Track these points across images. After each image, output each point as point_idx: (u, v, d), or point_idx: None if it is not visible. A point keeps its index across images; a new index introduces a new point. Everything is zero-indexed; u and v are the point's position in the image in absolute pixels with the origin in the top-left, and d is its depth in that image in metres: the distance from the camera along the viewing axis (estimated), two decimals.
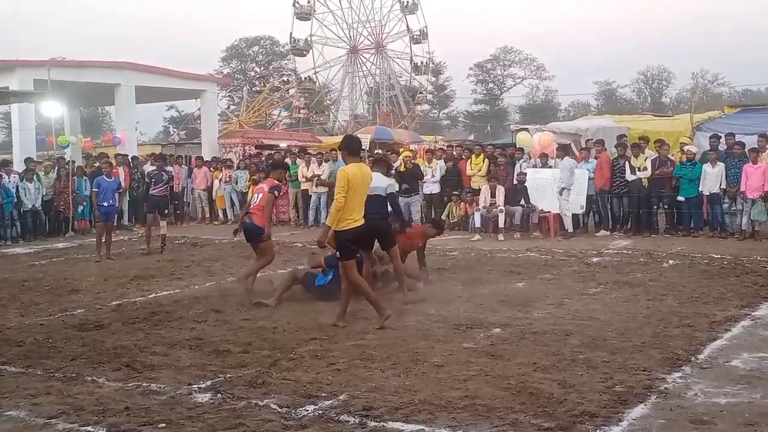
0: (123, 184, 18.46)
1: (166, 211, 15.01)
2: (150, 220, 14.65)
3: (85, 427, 4.80)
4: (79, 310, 8.68)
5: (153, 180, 14.67)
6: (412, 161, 16.83)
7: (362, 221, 7.53)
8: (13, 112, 24.34)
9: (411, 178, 16.13)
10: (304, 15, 53.60)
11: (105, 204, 13.77)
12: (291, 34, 54.03)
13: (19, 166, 18.92)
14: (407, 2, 55.22)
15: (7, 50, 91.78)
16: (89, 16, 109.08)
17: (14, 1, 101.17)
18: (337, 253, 7.57)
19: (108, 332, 7.46)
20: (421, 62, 57.50)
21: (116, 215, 14.82)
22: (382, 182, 8.79)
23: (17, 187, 16.81)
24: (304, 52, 54.64)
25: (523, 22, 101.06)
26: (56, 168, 18.30)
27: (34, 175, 17.32)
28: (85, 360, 6.41)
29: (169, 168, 17.17)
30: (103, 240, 13.62)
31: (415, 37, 56.03)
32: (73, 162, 19.15)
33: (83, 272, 11.77)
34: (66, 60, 26.11)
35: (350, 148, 7.84)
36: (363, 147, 8.33)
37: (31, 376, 6.00)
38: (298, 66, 56.62)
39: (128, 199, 19.26)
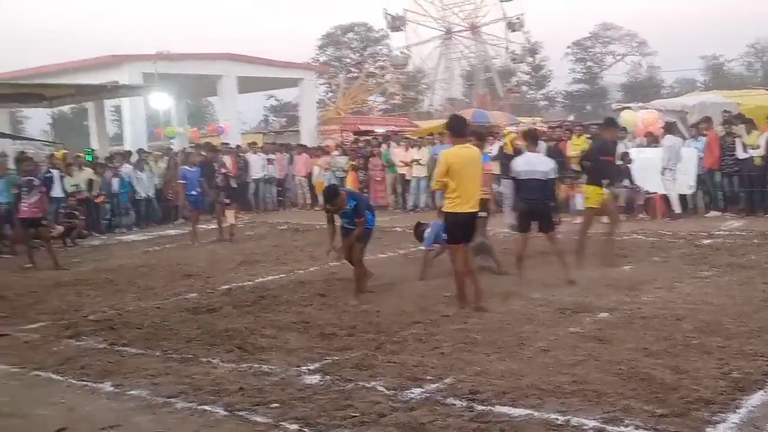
0: (230, 172, 19.05)
1: (226, 201, 15.07)
2: (219, 210, 14.93)
3: (202, 406, 5.01)
4: (191, 294, 9.05)
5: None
6: (517, 143, 16.42)
7: (473, 206, 7.38)
8: (124, 106, 25.47)
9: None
10: (396, 27, 53.77)
11: (193, 193, 14.28)
12: (385, 9, 54.17)
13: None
14: None
15: (115, 45, 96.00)
16: (188, 10, 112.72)
17: None
18: (444, 235, 7.58)
19: (220, 315, 7.75)
20: (519, 50, 56.56)
21: (205, 203, 15.19)
22: (543, 165, 8.69)
23: (130, 176, 17.64)
24: (400, 27, 54.75)
25: None
26: (166, 158, 19.06)
27: (146, 165, 18.11)
28: (200, 342, 6.68)
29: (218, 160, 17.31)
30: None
31: (511, 24, 55.13)
32: (182, 150, 19.86)
33: (193, 258, 12.24)
34: (171, 53, 27.10)
35: (454, 128, 7.65)
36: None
37: (150, 357, 6.32)
38: (392, 44, 56.74)
39: (233, 187, 19.81)
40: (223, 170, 15.30)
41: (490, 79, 57.50)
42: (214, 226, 15.11)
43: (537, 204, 8.60)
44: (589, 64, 76.61)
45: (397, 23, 54.39)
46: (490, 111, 37.04)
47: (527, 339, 6.22)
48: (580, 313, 7.06)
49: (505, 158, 15.77)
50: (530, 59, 66.02)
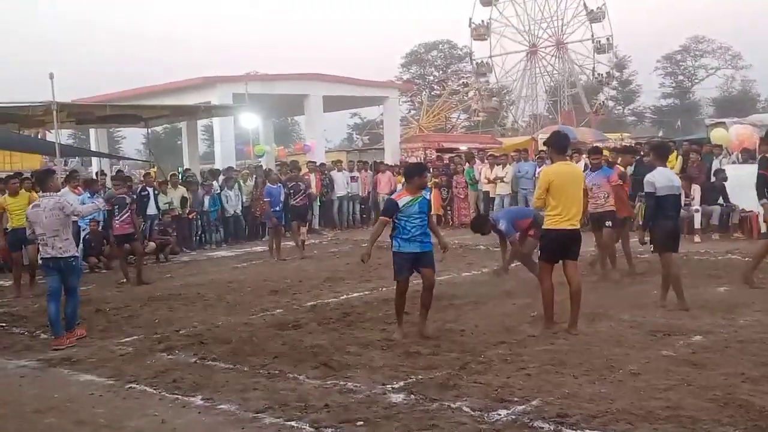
0: (314, 190, 19.42)
1: (307, 219, 15.77)
2: (294, 227, 15.22)
3: (289, 422, 5.09)
4: (278, 310, 9.20)
5: (292, 191, 15.27)
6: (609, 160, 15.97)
7: (574, 224, 7.26)
8: (215, 125, 26.28)
9: None
10: (481, 36, 53.87)
11: (277, 209, 14.64)
12: (470, 19, 54.29)
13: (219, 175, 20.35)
14: (594, 9, 53.62)
15: (206, 67, 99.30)
16: (277, 32, 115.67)
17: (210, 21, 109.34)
18: (539, 251, 7.55)
19: (305, 332, 7.85)
20: (606, 73, 55.66)
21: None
22: (677, 180, 8.52)
23: (220, 194, 18.16)
24: (487, 74, 54.76)
25: (715, 7, 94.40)
26: (254, 176, 19.53)
27: (235, 183, 18.60)
28: (287, 358, 6.78)
29: (304, 179, 17.58)
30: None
31: (594, 15, 54.25)
32: (270, 169, 20.31)
33: (280, 274, 12.45)
34: (260, 74, 27.83)
35: (556, 145, 7.62)
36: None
37: (239, 371, 6.45)
38: (475, 54, 56.75)
39: (318, 204, 20.13)
40: (305, 189, 15.71)
41: (576, 95, 56.63)
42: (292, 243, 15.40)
43: (676, 221, 8.46)
44: (679, 78, 74.53)
45: (481, 32, 54.30)
46: (576, 127, 36.44)
47: (617, 361, 6.06)
48: (673, 336, 6.84)
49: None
50: (617, 74, 64.70)
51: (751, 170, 14.28)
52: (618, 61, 64.52)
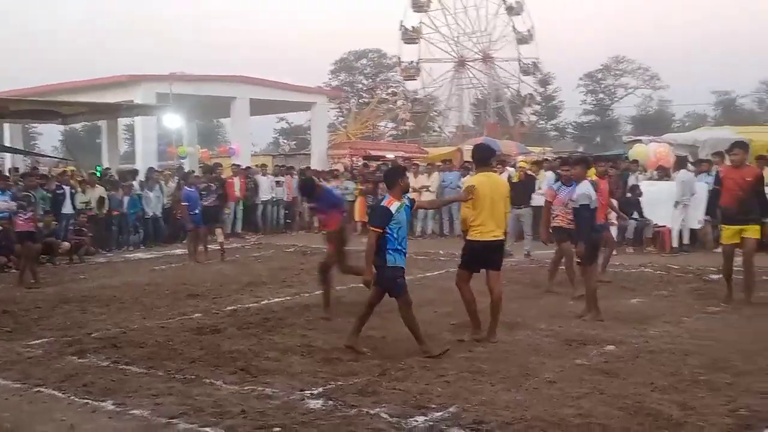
0: (238, 194, 19.20)
1: (219, 221, 16.11)
2: (203, 231, 15.11)
3: (204, 428, 4.97)
4: (196, 314, 9.02)
5: (204, 192, 15.34)
6: (528, 172, 16.25)
7: (497, 235, 7.28)
8: (137, 124, 25.66)
9: (523, 190, 15.54)
10: (411, 39, 54.37)
11: (196, 212, 14.54)
12: (399, 58, 54.89)
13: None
14: (512, 3, 55.02)
15: (130, 65, 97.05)
16: (203, 36, 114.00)
17: (132, 17, 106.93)
18: (460, 258, 7.50)
19: (224, 336, 7.71)
20: (531, 63, 56.96)
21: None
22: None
23: (140, 195, 17.71)
24: (415, 77, 55.36)
25: (632, 29, 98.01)
26: (175, 177, 19.14)
27: (156, 184, 18.17)
28: (203, 363, 6.64)
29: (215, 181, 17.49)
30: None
31: (522, 37, 55.61)
32: (192, 172, 19.96)
33: (200, 277, 12.21)
34: (186, 74, 27.31)
35: (477, 157, 7.78)
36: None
37: (153, 376, 6.28)
38: (407, 84, 57.40)
39: (242, 207, 19.87)
40: (215, 189, 16.00)
41: (501, 108, 57.77)
42: (213, 247, 15.20)
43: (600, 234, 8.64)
44: (600, 95, 76.86)
45: (411, 35, 54.79)
46: (500, 140, 37.10)
47: (533, 369, 6.17)
48: (587, 345, 7.01)
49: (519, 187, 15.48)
50: (541, 89, 66.29)
51: (665, 186, 14.91)
52: (542, 76, 66.07)
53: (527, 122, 59.01)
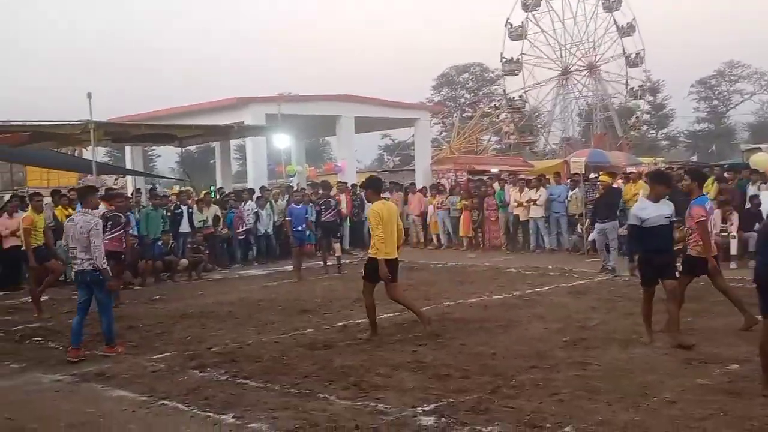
0: (345, 210, 19.51)
1: (338, 235, 16.33)
2: (324, 245, 15.34)
3: None
4: (308, 330, 9.23)
5: (323, 207, 15.69)
6: (614, 186, 15.51)
7: (394, 254, 8.67)
8: (248, 145, 26.52)
9: (606, 204, 14.89)
10: (516, 35, 54.06)
11: (299, 229, 14.86)
12: (502, 53, 54.57)
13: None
14: (624, 24, 53.72)
15: (239, 88, 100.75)
16: (308, 54, 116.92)
17: (240, 45, 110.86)
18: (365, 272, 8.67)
19: (335, 352, 7.86)
20: (638, 86, 55.46)
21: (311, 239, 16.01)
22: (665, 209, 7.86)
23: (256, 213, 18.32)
24: (516, 72, 54.94)
25: (750, 33, 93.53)
26: (285, 195, 19.66)
27: (267, 203, 18.73)
28: (317, 377, 6.79)
29: (334, 196, 17.63)
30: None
31: (631, 60, 54.30)
32: (302, 188, 20.45)
33: (310, 293, 12.49)
34: (293, 95, 28.10)
35: (372, 187, 8.92)
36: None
37: (269, 390, 6.47)
38: (507, 86, 57.00)
39: (349, 225, 20.17)
40: (335, 205, 16.19)
41: (609, 118, 56.34)
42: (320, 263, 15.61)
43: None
44: (714, 102, 73.80)
45: (513, 67, 54.52)
46: (608, 151, 36.18)
47: (651, 389, 5.97)
48: (708, 364, 6.73)
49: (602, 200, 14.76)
50: (650, 98, 64.32)
51: None
52: (651, 85, 64.09)
53: (639, 118, 57.41)
